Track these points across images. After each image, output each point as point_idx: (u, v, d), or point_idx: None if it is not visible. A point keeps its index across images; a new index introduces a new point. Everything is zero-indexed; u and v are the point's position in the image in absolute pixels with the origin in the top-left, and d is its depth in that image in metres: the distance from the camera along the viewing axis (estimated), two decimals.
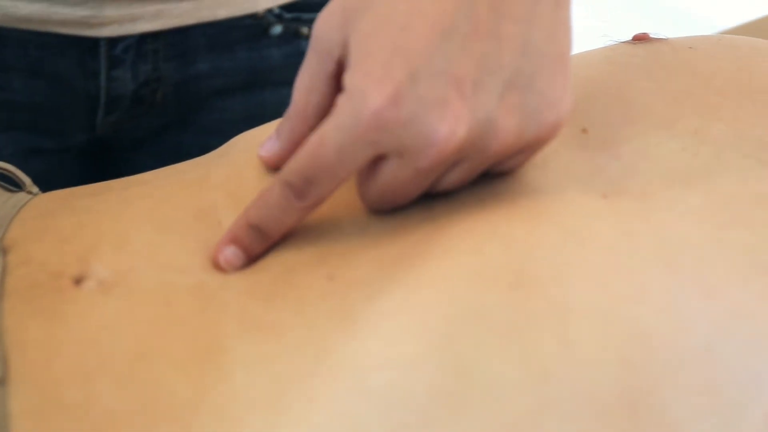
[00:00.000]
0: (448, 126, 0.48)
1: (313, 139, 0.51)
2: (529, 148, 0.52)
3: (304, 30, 0.87)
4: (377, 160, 0.51)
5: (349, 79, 0.50)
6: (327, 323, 0.47)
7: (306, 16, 0.86)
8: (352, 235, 0.53)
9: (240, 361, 0.47)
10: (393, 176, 0.51)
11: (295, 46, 0.87)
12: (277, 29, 0.86)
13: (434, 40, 0.49)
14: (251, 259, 0.53)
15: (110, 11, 0.79)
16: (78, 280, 0.51)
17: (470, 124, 0.49)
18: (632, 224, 0.51)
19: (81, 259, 0.52)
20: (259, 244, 0.53)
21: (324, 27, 0.53)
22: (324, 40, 0.53)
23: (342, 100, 0.50)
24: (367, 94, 0.49)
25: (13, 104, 0.82)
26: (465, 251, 0.49)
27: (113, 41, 0.81)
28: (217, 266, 0.53)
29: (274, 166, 0.57)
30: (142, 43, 0.82)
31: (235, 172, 0.58)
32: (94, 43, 0.81)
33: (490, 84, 0.49)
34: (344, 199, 0.55)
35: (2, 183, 0.61)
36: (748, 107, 0.59)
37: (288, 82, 0.88)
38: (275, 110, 0.89)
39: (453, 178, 0.52)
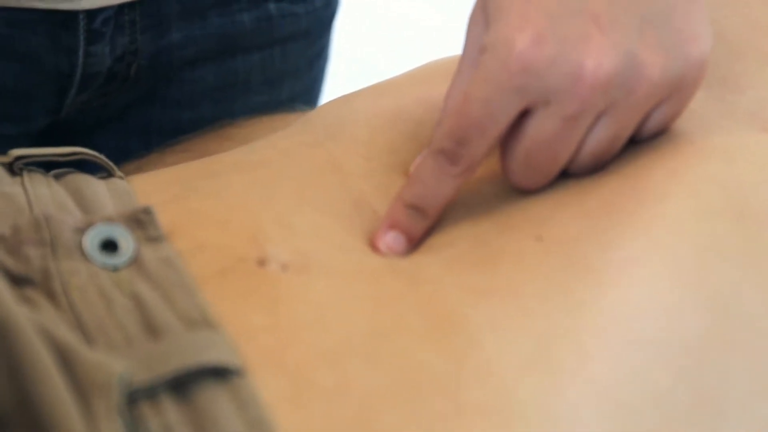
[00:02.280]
0: (593, 59, 0.48)
1: (459, 99, 0.50)
2: (675, 92, 0.51)
3: None
4: (523, 119, 0.50)
5: (488, 37, 0.50)
6: (564, 279, 0.46)
7: None
8: (525, 201, 0.52)
9: (485, 327, 0.45)
10: (540, 130, 0.50)
11: (263, 10, 0.84)
12: None
13: None
14: (412, 242, 0.52)
15: None
16: (260, 263, 0.48)
17: (614, 57, 0.49)
18: None
19: (253, 241, 0.49)
20: (419, 223, 0.52)
21: (469, 27, 0.53)
22: (471, 38, 0.53)
23: (483, 57, 0.49)
24: (509, 41, 0.49)
25: None
26: (681, 194, 0.49)
27: (92, 14, 0.75)
28: (377, 252, 0.51)
29: None
30: (120, 15, 0.76)
31: (379, 168, 0.56)
32: (70, 16, 0.75)
33: (626, 20, 0.49)
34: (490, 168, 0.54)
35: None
36: None
37: (257, 48, 0.85)
38: (245, 78, 0.86)
39: (603, 133, 0.51)
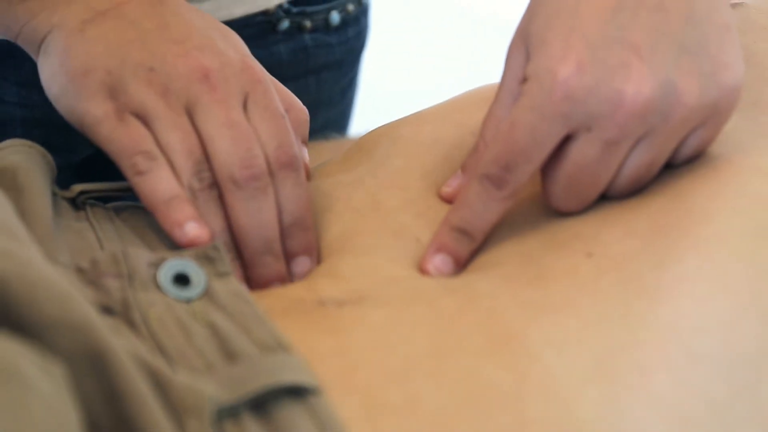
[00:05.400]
0: (633, 86, 0.51)
1: (505, 127, 0.53)
2: (711, 118, 0.54)
3: (307, 24, 0.86)
4: (565, 144, 0.53)
5: (531, 67, 0.53)
6: (621, 295, 0.48)
7: (310, 9, 0.86)
8: (568, 222, 0.54)
9: (544, 343, 0.47)
10: (582, 155, 0.52)
11: (299, 42, 0.86)
12: (285, 24, 0.84)
13: (604, 17, 0.52)
14: (459, 264, 0.55)
15: None
16: (320, 303, 0.51)
17: (653, 84, 0.51)
18: None
19: (308, 289, 0.53)
20: (466, 246, 0.54)
21: (508, 57, 0.56)
22: (510, 67, 0.56)
23: (527, 86, 0.52)
24: (552, 70, 0.51)
25: (30, 121, 0.78)
26: (726, 212, 0.51)
27: None
28: (427, 275, 0.54)
29: None
30: None
31: (415, 196, 0.59)
32: None
33: (664, 48, 0.52)
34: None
35: None
36: None
37: (293, 78, 0.87)
38: None
39: (641, 157, 0.53)
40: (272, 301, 0.51)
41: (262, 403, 0.43)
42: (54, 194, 0.57)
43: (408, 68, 2.01)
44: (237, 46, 0.61)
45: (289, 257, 0.57)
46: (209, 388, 0.42)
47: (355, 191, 0.60)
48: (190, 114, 0.55)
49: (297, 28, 0.85)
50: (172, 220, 0.53)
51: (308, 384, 0.44)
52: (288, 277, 0.57)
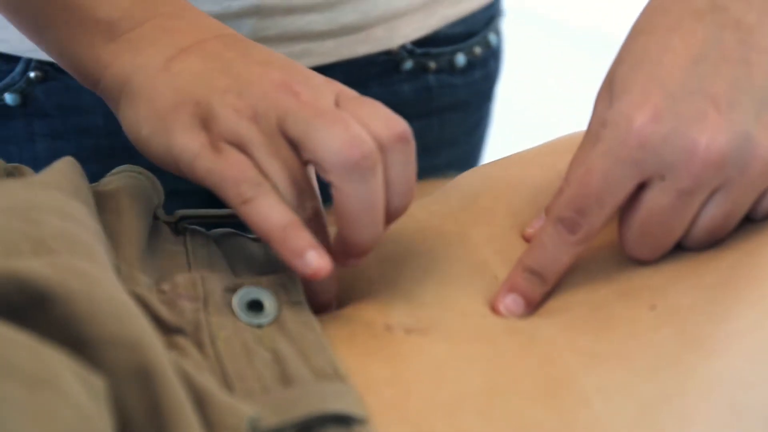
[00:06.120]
0: (707, 136, 0.51)
1: (581, 171, 0.53)
2: None
3: (431, 65, 0.88)
4: (640, 191, 0.53)
5: (610, 113, 0.53)
6: (675, 348, 0.48)
7: (434, 50, 0.87)
8: (641, 271, 0.55)
9: (594, 390, 0.47)
10: (655, 203, 0.52)
11: (422, 81, 0.88)
12: (408, 65, 0.86)
13: (686, 68, 0.52)
14: (530, 305, 0.55)
15: None
16: (388, 328, 0.52)
17: (729, 136, 0.51)
18: None
19: (382, 312, 0.54)
20: (538, 288, 0.55)
21: (596, 103, 0.56)
22: (596, 113, 0.56)
23: (605, 131, 0.53)
24: (629, 117, 0.52)
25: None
26: None
27: None
28: (498, 314, 0.55)
29: None
30: None
31: (500, 233, 0.59)
32: None
33: (745, 102, 0.52)
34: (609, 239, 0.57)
35: None
36: None
37: (416, 117, 0.89)
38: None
39: (717, 209, 0.53)
40: (341, 325, 0.53)
41: (310, 428, 0.45)
42: (156, 218, 0.60)
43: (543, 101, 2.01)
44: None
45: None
46: (250, 409, 0.43)
47: (446, 222, 0.61)
48: (283, 128, 0.53)
49: (421, 69, 0.87)
50: (291, 250, 0.51)
51: (355, 413, 0.45)
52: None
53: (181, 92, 0.54)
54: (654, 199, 0.52)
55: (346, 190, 0.51)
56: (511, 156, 0.66)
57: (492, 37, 0.93)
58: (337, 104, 0.53)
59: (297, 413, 0.45)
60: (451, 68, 0.89)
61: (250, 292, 0.52)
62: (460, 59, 0.89)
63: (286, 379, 0.47)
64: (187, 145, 0.53)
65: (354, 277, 0.58)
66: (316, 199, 0.54)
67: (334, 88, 0.55)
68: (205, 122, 0.54)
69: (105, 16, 0.58)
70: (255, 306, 0.52)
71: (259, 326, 0.51)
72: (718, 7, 0.54)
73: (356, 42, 0.82)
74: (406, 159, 0.53)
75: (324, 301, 0.56)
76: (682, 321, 0.50)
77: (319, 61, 0.82)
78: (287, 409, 0.45)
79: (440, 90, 0.89)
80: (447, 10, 0.87)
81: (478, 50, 0.91)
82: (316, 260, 0.51)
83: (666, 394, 0.47)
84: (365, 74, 0.85)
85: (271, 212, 0.51)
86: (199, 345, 0.49)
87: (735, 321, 0.49)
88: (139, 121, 0.56)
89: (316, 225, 0.53)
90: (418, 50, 0.86)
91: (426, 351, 0.50)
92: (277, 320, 0.51)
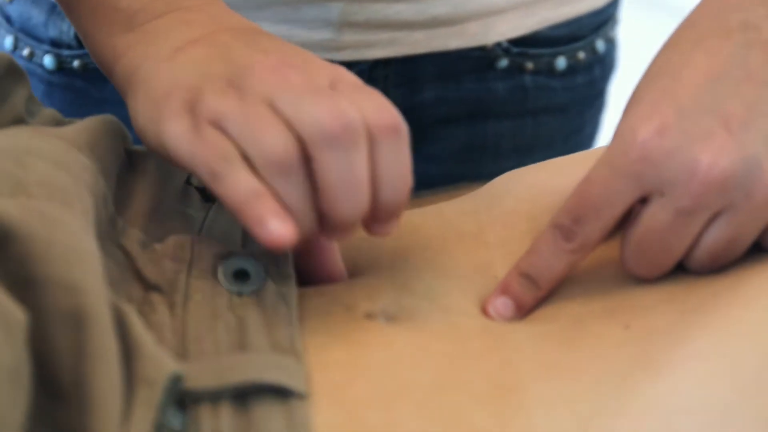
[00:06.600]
0: (710, 156, 0.49)
1: (582, 180, 0.52)
2: None
3: (529, 65, 0.87)
4: (639, 206, 0.52)
5: (620, 124, 0.52)
6: (628, 367, 0.48)
7: (532, 51, 0.87)
8: (638, 290, 0.54)
9: (539, 399, 0.47)
10: (654, 220, 0.51)
11: (518, 81, 0.88)
12: (503, 63, 0.86)
13: (703, 84, 0.51)
14: (521, 310, 0.55)
15: (348, 36, 0.80)
16: (369, 316, 0.53)
17: (734, 158, 0.49)
18: None
19: (369, 297, 0.54)
20: (530, 293, 0.55)
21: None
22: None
23: (611, 142, 0.52)
24: (634, 129, 0.51)
25: None
26: None
27: (347, 66, 0.82)
28: (486, 315, 0.55)
29: None
30: (374, 69, 0.83)
31: (514, 236, 0.59)
32: None
33: (759, 125, 0.50)
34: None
35: None
36: None
37: (509, 116, 0.89)
38: (495, 142, 0.90)
39: (720, 233, 0.51)
40: (323, 303, 0.54)
41: (246, 396, 0.46)
42: (189, 183, 0.62)
43: None
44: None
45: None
46: (176, 366, 0.45)
47: (467, 219, 0.61)
48: (274, 107, 0.50)
49: (517, 68, 0.87)
50: (252, 217, 0.49)
51: (294, 388, 0.46)
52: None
53: (177, 80, 0.53)
54: (653, 216, 0.51)
55: (325, 160, 0.49)
56: (547, 162, 0.65)
57: (599, 44, 0.91)
58: (332, 87, 0.52)
59: (234, 379, 0.46)
60: (550, 71, 0.88)
61: (239, 261, 0.54)
62: (561, 62, 0.88)
63: (242, 346, 0.49)
64: (172, 131, 0.52)
65: (369, 257, 0.59)
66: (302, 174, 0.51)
67: (333, 72, 0.54)
68: (192, 106, 0.52)
69: (126, 6, 0.59)
70: (243, 275, 0.54)
71: (240, 294, 0.52)
72: (750, 26, 0.52)
73: (448, 35, 0.83)
74: (398, 151, 0.51)
75: (325, 275, 0.56)
76: (648, 342, 0.49)
77: (407, 51, 0.83)
78: (229, 374, 0.46)
79: (536, 91, 0.89)
80: (548, 12, 0.86)
81: (581, 55, 0.90)
82: (277, 228, 0.48)
83: (604, 412, 0.46)
84: (457, 69, 0.86)
85: (238, 184, 0.49)
86: (171, 304, 0.51)
87: (691, 344, 0.47)
88: (138, 110, 0.55)
89: (295, 197, 0.51)
90: (515, 49, 0.86)
91: (390, 340, 0.51)
92: (258, 291, 0.53)
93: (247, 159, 0.50)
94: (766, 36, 0.52)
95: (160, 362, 0.45)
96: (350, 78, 0.54)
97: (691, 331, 0.48)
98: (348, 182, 0.49)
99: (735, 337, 0.47)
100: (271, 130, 0.49)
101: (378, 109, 0.51)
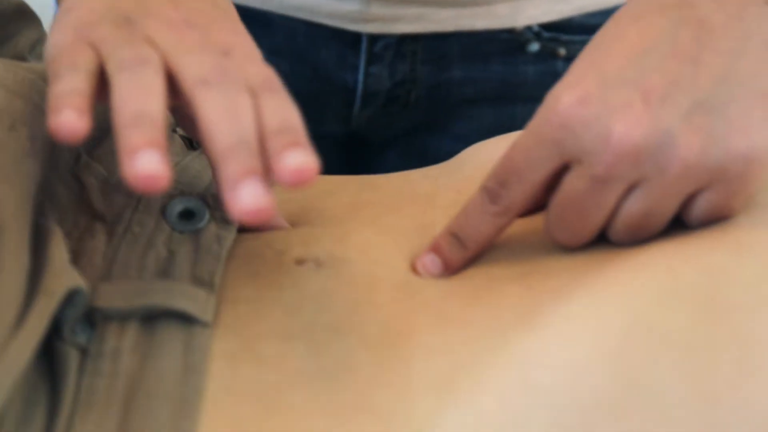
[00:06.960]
0: (624, 126, 0.50)
1: (510, 145, 0.54)
2: (718, 182, 0.51)
3: (561, 51, 0.88)
4: (560, 174, 0.53)
5: (548, 92, 0.53)
6: (513, 323, 0.49)
7: (565, 37, 0.88)
8: (556, 257, 0.55)
9: (423, 346, 0.49)
10: (571, 187, 0.53)
11: (550, 66, 0.89)
12: (534, 47, 0.87)
13: (630, 57, 0.52)
14: (448, 268, 0.56)
15: (375, 9, 0.83)
16: (299, 261, 0.55)
17: (648, 131, 0.50)
18: None
19: (305, 244, 0.57)
20: (457, 252, 0.56)
21: None
22: None
23: (539, 110, 0.54)
24: (558, 97, 0.52)
25: None
26: (659, 269, 0.49)
27: (374, 38, 0.85)
28: (415, 271, 0.57)
29: None
30: (401, 44, 0.85)
31: (463, 200, 0.60)
32: (356, 37, 0.85)
33: (678, 100, 0.50)
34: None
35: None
36: None
37: (539, 100, 0.90)
38: (523, 124, 0.91)
39: (635, 205, 0.52)
40: (257, 246, 0.56)
41: (154, 320, 0.49)
42: (174, 131, 0.66)
43: None
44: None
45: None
46: (78, 281, 0.48)
47: (427, 183, 0.63)
48: (163, 59, 0.49)
49: (549, 54, 0.88)
50: (50, 108, 0.46)
51: (199, 317, 0.50)
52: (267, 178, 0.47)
53: (85, 8, 0.52)
54: (571, 183, 0.53)
55: (201, 96, 0.47)
56: (513, 133, 0.66)
57: None
58: (225, 54, 0.51)
59: (142, 302, 0.50)
60: None
61: (186, 201, 0.57)
62: None
63: (164, 275, 0.52)
64: (53, 39, 0.50)
65: (320, 209, 0.62)
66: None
67: (233, 40, 0.53)
68: (83, 26, 0.51)
69: None
70: (190, 216, 0.57)
71: (181, 232, 0.56)
72: (686, 3, 0.53)
73: (475, 15, 0.85)
74: (280, 98, 0.49)
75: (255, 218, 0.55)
76: (538, 303, 0.50)
77: (434, 28, 0.85)
78: (137, 297, 0.50)
79: None
80: (584, 0, 0.87)
81: None
82: (67, 117, 0.45)
83: (478, 361, 0.48)
84: (485, 49, 0.87)
85: (64, 84, 0.47)
86: (110, 234, 0.54)
87: (570, 305, 0.49)
88: (50, 33, 0.53)
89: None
90: (546, 34, 0.87)
91: (303, 283, 0.53)
92: (199, 230, 0.56)
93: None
94: (699, 13, 0.52)
95: (62, 276, 0.48)
96: (249, 50, 0.53)
97: (575, 290, 0.50)
98: (227, 114, 0.47)
99: (608, 299, 0.48)
100: (141, 58, 0.49)
101: (262, 74, 0.50)
